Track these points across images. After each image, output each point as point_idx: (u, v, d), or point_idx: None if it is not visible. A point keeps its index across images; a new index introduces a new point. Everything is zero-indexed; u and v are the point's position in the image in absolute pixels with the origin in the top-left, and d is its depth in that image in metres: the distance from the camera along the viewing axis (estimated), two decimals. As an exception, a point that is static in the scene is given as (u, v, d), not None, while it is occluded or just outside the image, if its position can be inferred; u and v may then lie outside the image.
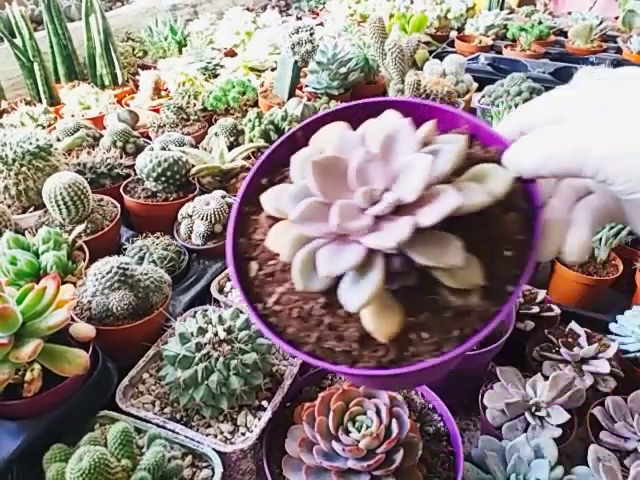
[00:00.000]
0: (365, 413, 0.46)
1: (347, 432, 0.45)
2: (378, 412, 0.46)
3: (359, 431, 0.45)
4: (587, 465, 0.60)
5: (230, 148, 1.10)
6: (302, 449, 0.44)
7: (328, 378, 0.52)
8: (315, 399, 0.48)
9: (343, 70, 1.48)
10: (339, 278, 0.22)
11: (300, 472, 0.44)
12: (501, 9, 2.47)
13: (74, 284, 0.70)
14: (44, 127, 1.24)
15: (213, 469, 0.56)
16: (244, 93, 1.38)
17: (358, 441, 0.43)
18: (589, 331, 0.79)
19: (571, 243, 0.25)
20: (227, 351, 0.60)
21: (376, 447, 0.43)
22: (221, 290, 0.80)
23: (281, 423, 0.49)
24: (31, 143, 0.90)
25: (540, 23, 2.09)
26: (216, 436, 0.60)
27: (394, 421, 0.45)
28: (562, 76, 1.63)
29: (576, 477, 0.59)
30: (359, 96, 1.58)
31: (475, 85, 1.62)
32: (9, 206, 0.93)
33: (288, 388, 0.50)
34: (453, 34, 2.24)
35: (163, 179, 0.95)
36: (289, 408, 0.50)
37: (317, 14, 2.42)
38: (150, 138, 1.22)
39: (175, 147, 1.05)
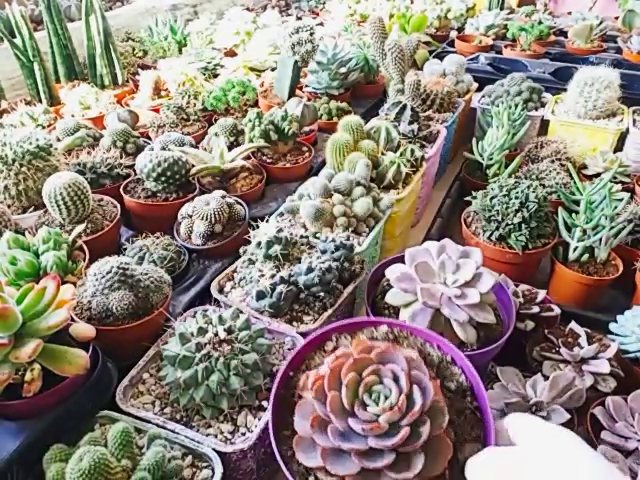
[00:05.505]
0: (382, 382, 0.39)
1: (364, 406, 0.38)
2: (396, 379, 0.39)
3: (377, 404, 0.38)
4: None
5: (230, 148, 1.10)
6: (315, 429, 0.37)
7: (332, 339, 0.44)
8: (320, 366, 0.41)
9: (343, 70, 1.48)
10: None
11: (315, 454, 0.37)
12: (501, 9, 2.47)
13: (74, 284, 0.70)
14: (44, 127, 1.24)
15: (213, 469, 0.56)
16: (244, 93, 1.38)
17: (377, 415, 0.37)
18: (589, 331, 0.79)
19: None
20: (227, 351, 0.60)
21: (398, 420, 0.37)
22: (221, 290, 0.80)
23: (286, 396, 0.41)
24: (31, 143, 0.90)
25: (540, 23, 2.09)
26: (216, 436, 0.60)
27: (415, 388, 0.38)
28: (562, 76, 1.63)
29: None
30: (360, 96, 1.58)
31: (475, 85, 1.62)
32: (9, 206, 0.93)
33: (291, 357, 0.42)
34: (453, 34, 2.24)
35: (163, 179, 0.95)
36: (293, 378, 0.42)
37: (317, 14, 2.42)
38: (150, 138, 1.22)
39: (175, 147, 1.05)
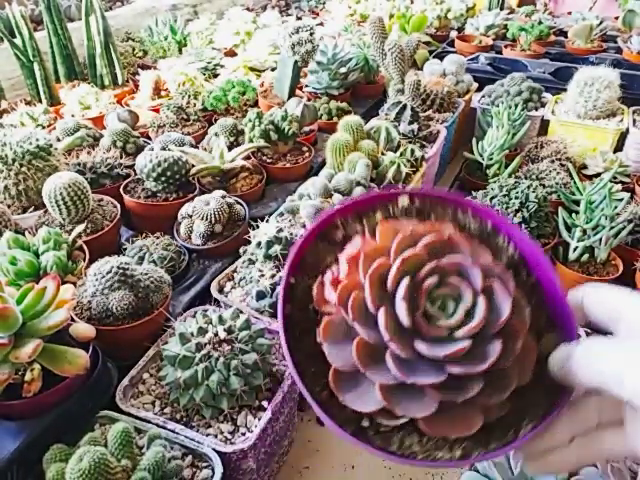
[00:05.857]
0: (443, 283, 0.26)
1: (428, 320, 0.26)
2: (465, 276, 0.27)
3: (445, 313, 0.26)
4: (591, 466, 0.60)
5: (230, 148, 1.10)
6: (365, 362, 0.26)
7: (337, 226, 0.31)
8: (331, 266, 0.28)
9: (343, 70, 1.48)
10: None
11: (367, 393, 0.26)
12: (501, 9, 2.48)
13: (74, 284, 0.70)
14: (44, 127, 1.24)
15: (213, 469, 0.56)
16: (244, 93, 1.38)
17: (451, 330, 0.25)
18: (589, 331, 0.79)
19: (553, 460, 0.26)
20: (227, 351, 0.60)
21: (482, 332, 0.26)
22: (221, 290, 0.80)
23: (294, 314, 0.29)
24: (31, 143, 0.90)
25: (540, 23, 2.09)
26: (216, 436, 0.60)
27: (496, 283, 0.26)
28: (562, 76, 1.63)
29: (584, 479, 0.58)
30: (360, 96, 1.58)
31: (475, 85, 1.63)
32: (9, 206, 0.93)
33: (291, 259, 0.29)
34: (453, 34, 2.24)
35: (163, 179, 0.95)
36: (296, 287, 0.29)
37: (317, 14, 2.42)
38: (150, 138, 1.22)
39: (175, 147, 1.05)
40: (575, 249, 1.01)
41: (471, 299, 0.26)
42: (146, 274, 0.71)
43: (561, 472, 0.28)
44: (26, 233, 0.79)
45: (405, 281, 0.26)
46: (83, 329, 0.62)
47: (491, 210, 0.31)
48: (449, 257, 0.27)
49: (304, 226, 0.92)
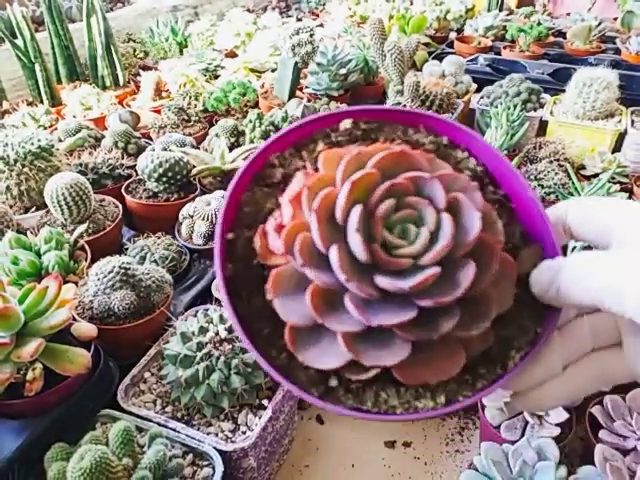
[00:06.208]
0: (403, 205, 0.23)
1: (388, 250, 0.22)
2: (425, 194, 0.23)
3: (406, 239, 0.22)
4: (588, 464, 0.60)
5: (231, 149, 1.11)
6: (321, 311, 0.22)
7: (274, 164, 0.26)
8: (273, 212, 0.24)
9: (343, 71, 1.48)
10: None
11: (329, 347, 0.22)
12: (500, 10, 2.48)
13: (76, 284, 0.70)
14: (45, 128, 1.24)
15: (214, 468, 0.57)
16: (245, 94, 1.39)
17: (415, 257, 0.22)
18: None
19: (549, 393, 0.23)
20: (228, 350, 0.61)
21: (451, 254, 0.22)
22: (222, 290, 0.80)
23: (238, 273, 0.24)
24: (33, 144, 0.90)
25: (539, 24, 2.09)
26: (217, 435, 0.61)
27: (462, 200, 0.22)
28: (561, 77, 1.63)
29: (582, 477, 0.59)
30: (359, 97, 1.59)
31: (474, 86, 1.63)
32: (11, 206, 0.93)
33: (223, 211, 0.24)
34: (452, 35, 2.25)
35: (164, 179, 0.96)
36: (235, 242, 0.24)
37: (317, 15, 2.43)
38: (151, 139, 1.23)
39: (176, 148, 1.05)
40: (573, 249, 1.01)
41: (435, 219, 0.22)
42: (148, 274, 0.72)
43: (555, 406, 0.25)
44: (28, 233, 0.79)
45: (357, 209, 0.22)
46: (85, 328, 0.62)
47: (447, 120, 0.27)
48: (404, 175, 0.22)
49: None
